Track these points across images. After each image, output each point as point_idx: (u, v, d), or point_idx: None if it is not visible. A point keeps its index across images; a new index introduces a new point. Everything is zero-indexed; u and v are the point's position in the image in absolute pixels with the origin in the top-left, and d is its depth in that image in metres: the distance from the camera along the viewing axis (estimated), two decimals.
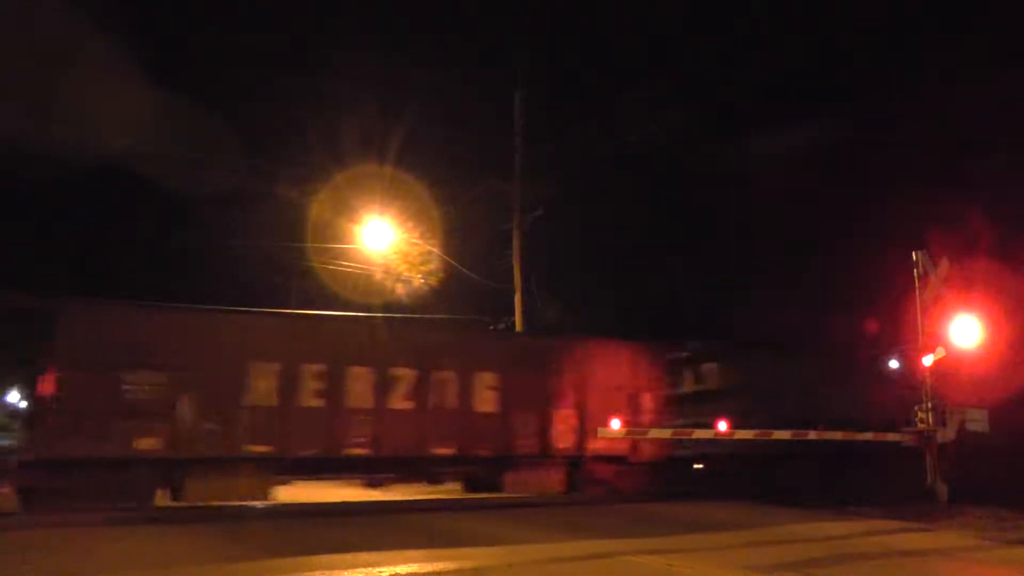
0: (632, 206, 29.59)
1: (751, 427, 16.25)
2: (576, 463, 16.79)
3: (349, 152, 23.98)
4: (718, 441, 16.33)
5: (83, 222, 27.96)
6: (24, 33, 20.62)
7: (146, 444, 13.43)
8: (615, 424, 16.08)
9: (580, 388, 16.85)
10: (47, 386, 13.31)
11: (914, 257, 16.50)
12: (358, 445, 14.86)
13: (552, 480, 16.65)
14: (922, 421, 16.03)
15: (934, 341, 16.12)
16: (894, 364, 20.09)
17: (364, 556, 9.28)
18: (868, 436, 16.71)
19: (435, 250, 23.64)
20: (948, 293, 16.36)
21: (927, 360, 16.00)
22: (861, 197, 27.28)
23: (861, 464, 17.57)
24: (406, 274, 23.99)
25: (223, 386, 14.02)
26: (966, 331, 16.42)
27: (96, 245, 27.37)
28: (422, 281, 23.98)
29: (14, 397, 15.69)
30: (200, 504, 13.73)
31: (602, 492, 16.64)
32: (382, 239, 23.51)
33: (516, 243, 22.80)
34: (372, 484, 16.78)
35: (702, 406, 18.23)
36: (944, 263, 16.40)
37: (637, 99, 22.57)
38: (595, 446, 16.51)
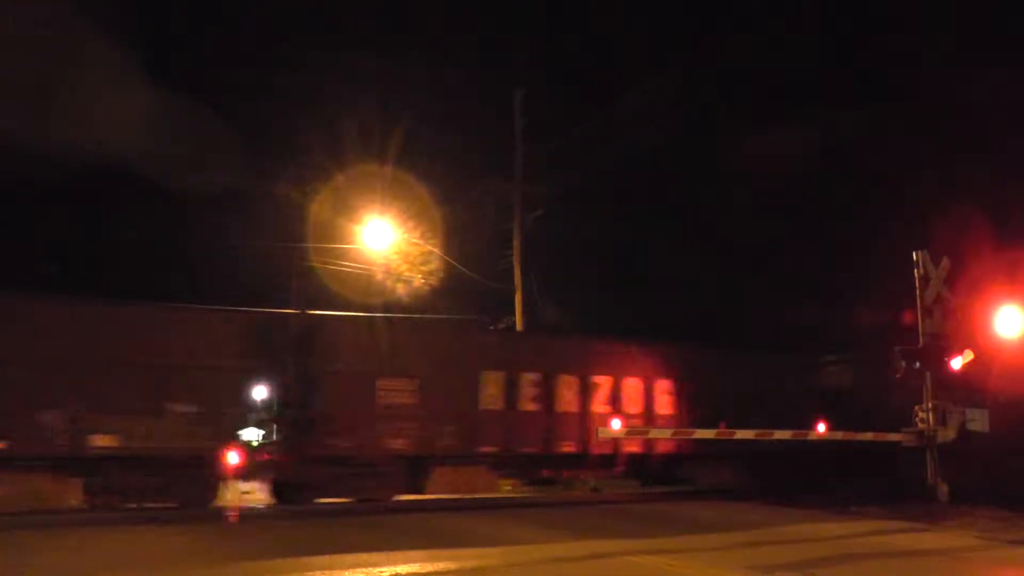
0: (633, 206, 29.62)
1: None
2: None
3: (349, 152, 23.98)
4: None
5: (83, 222, 27.92)
6: (24, 33, 20.62)
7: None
8: (615, 424, 16.12)
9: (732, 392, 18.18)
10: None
11: (914, 257, 16.41)
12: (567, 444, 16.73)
13: (726, 474, 18.16)
14: (922, 421, 15.99)
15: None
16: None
17: (364, 556, 9.28)
18: (868, 436, 16.70)
19: (436, 250, 23.63)
20: (949, 292, 16.26)
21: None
22: (861, 196, 27.30)
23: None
24: (407, 274, 23.96)
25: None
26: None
27: (96, 245, 27.37)
28: (422, 281, 23.96)
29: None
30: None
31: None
32: (383, 239, 23.50)
33: (516, 243, 22.81)
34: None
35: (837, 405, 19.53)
36: (945, 263, 16.32)
37: (638, 99, 22.57)
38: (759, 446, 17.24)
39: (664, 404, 17.84)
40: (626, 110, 22.56)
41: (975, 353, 15.86)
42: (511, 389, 16.32)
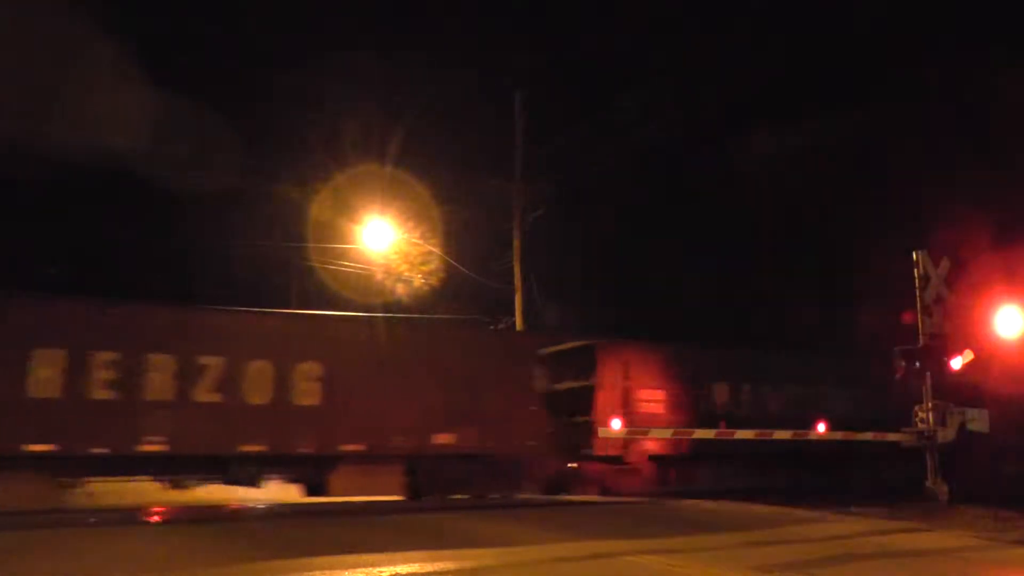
0: (632, 206, 29.59)
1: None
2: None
3: (350, 152, 24.00)
4: None
5: (83, 222, 27.84)
6: (23, 33, 20.60)
7: None
8: (615, 424, 16.10)
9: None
10: None
11: (914, 257, 16.40)
12: None
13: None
14: (922, 421, 15.98)
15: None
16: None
17: (364, 556, 9.27)
18: (868, 436, 16.71)
19: (435, 250, 23.62)
20: (949, 292, 16.25)
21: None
22: (860, 196, 27.29)
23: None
24: (406, 274, 23.96)
25: None
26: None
27: (96, 245, 27.32)
28: (422, 281, 23.96)
29: None
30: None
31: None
32: (382, 239, 23.50)
33: (516, 243, 22.80)
34: None
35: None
36: (944, 263, 16.31)
37: (638, 98, 22.59)
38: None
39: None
40: (626, 110, 22.59)
41: (974, 353, 15.85)
42: None
